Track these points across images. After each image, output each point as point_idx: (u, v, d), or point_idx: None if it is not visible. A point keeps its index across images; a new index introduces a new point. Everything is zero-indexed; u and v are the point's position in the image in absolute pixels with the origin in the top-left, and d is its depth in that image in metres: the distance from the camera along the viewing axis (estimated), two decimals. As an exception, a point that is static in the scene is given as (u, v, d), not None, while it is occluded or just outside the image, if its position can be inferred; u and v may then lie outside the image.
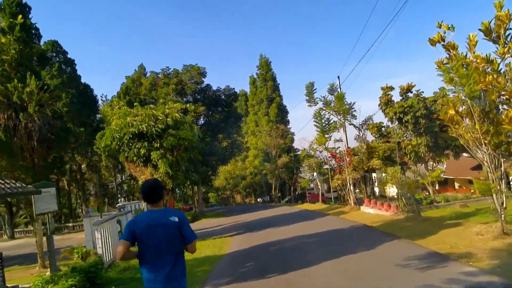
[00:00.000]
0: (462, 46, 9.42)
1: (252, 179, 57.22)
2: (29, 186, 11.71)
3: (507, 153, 9.43)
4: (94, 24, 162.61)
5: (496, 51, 8.59)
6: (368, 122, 28.57)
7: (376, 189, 38.68)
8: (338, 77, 23.62)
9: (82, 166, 34.26)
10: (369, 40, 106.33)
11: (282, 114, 52.91)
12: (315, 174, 39.31)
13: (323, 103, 23.36)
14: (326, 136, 25.92)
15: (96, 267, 7.97)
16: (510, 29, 8.39)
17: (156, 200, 3.33)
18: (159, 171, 14.70)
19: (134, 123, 14.77)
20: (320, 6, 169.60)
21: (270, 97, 53.83)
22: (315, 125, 25.99)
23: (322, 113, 25.53)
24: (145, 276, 3.23)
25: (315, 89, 25.86)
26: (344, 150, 24.21)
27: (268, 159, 49.54)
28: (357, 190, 30.62)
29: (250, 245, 12.76)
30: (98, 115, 33.62)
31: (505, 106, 8.94)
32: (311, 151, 30.76)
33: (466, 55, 9.27)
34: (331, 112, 23.90)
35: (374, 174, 35.78)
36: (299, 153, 44.98)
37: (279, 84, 55.95)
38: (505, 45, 8.35)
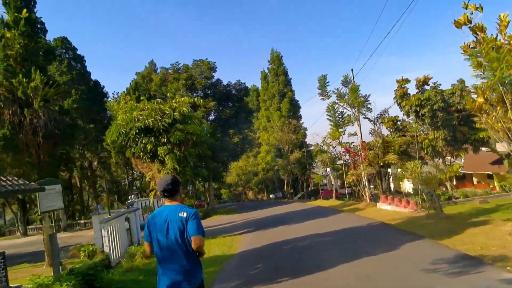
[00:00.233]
0: (491, 28, 8.59)
1: (264, 175, 56.57)
2: (32, 183, 11.31)
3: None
4: (105, 21, 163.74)
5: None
6: (383, 115, 27.60)
7: (391, 185, 37.65)
8: (352, 70, 22.72)
9: (94, 163, 34.14)
10: (383, 34, 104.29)
11: (294, 109, 52.08)
12: (328, 169, 38.48)
13: (336, 96, 22.52)
14: (339, 130, 25.07)
15: (95, 269, 7.46)
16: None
17: (173, 194, 3.39)
18: (166, 167, 14.18)
19: (140, 117, 14.26)
20: (333, 0, 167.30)
21: (282, 92, 53.03)
22: (328, 119, 25.16)
23: (335, 107, 24.66)
24: (159, 272, 3.30)
25: (328, 82, 25.05)
26: (359, 145, 23.35)
27: (280, 154, 48.84)
28: (372, 186, 29.78)
29: (261, 244, 12.15)
30: (109, 112, 33.41)
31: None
32: (324, 146, 29.94)
33: (496, 37, 8.42)
34: (345, 105, 23.04)
35: (389, 170, 34.83)
36: (312, 148, 44.20)
37: (291, 78, 55.06)
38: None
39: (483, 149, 34.15)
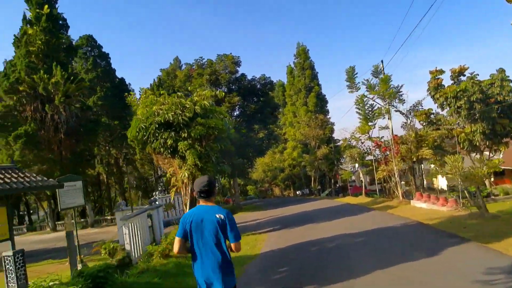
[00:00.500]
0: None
1: (290, 171, 55.72)
2: (50, 179, 11.04)
3: None
4: (130, 19, 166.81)
5: None
6: (416, 108, 26.04)
7: (424, 181, 35.88)
8: (382, 61, 21.43)
9: (120, 159, 34.40)
10: (414, 24, 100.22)
11: (321, 103, 50.95)
12: (356, 165, 37.17)
13: (366, 87, 21.33)
14: (369, 124, 23.84)
15: (106, 271, 6.95)
16: None
17: (209, 195, 3.47)
18: (187, 162, 13.63)
19: (160, 112, 13.79)
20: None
21: (308, 87, 51.97)
22: (357, 112, 23.99)
23: (364, 99, 23.44)
24: (194, 269, 3.47)
25: (356, 74, 23.88)
26: (390, 139, 22.05)
27: (307, 150, 47.86)
28: (403, 182, 28.43)
29: (286, 244, 11.40)
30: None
31: None
32: (353, 141, 28.70)
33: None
34: (375, 97, 21.80)
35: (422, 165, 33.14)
36: (339, 143, 42.94)
37: (317, 72, 53.90)
38: None
39: (526, 142, 31.82)
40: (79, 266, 12.38)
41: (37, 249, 20.65)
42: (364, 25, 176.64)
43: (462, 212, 12.82)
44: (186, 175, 13.93)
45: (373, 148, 26.88)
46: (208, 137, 14.65)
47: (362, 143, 29.23)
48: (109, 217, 31.51)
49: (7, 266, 9.86)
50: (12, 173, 10.13)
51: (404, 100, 20.88)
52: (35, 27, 14.87)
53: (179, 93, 15.03)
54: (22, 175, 10.35)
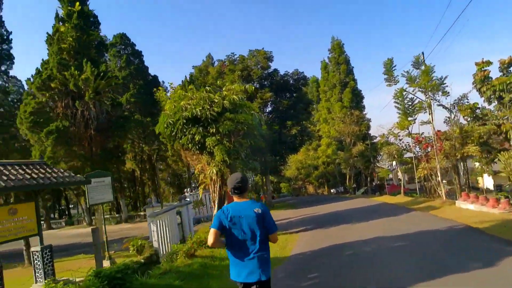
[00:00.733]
0: None
1: (325, 168, 54.55)
2: (78, 175, 10.96)
3: None
4: (162, 16, 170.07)
5: None
6: (461, 102, 24.23)
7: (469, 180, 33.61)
8: (423, 53, 19.90)
9: (153, 156, 34.81)
10: (456, 15, 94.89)
11: (356, 99, 49.48)
12: (394, 163, 35.48)
13: (406, 80, 19.93)
14: (409, 119, 22.40)
15: (124, 271, 6.57)
16: None
17: (242, 191, 3.62)
18: (215, 159, 13.18)
19: (188, 106, 13.42)
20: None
21: (343, 82, 50.60)
22: (395, 106, 22.59)
23: (404, 93, 22.03)
24: (232, 263, 3.58)
25: (395, 67, 22.49)
26: (432, 135, 20.56)
27: (341, 147, 46.59)
28: (444, 181, 26.73)
29: (318, 246, 10.66)
30: (165, 104, 33.59)
31: None
32: (391, 137, 27.24)
33: None
34: (415, 90, 20.38)
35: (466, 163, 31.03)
36: (376, 140, 41.30)
37: (353, 67, 52.32)
38: None
39: None
40: (107, 263, 12.29)
41: (72, 243, 21.13)
42: (402, 17, 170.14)
43: (517, 215, 11.49)
44: (215, 171, 13.50)
45: (413, 144, 25.36)
46: (237, 132, 14.14)
47: (400, 140, 27.71)
48: (142, 213, 31.95)
49: (35, 261, 9.86)
50: (40, 169, 10.09)
51: (448, 92, 19.27)
52: (66, 25, 15.06)
53: (207, 88, 14.60)
54: (50, 171, 10.30)
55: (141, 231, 21.66)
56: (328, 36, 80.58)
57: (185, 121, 13.44)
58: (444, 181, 25.12)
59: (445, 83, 19.03)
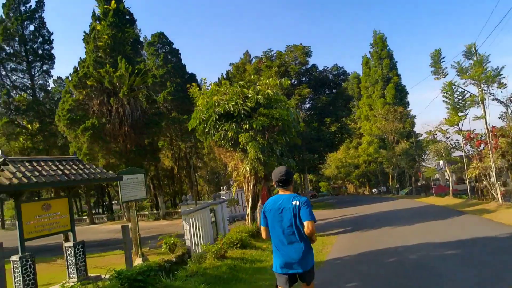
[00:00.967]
0: None
1: (366, 167, 52.79)
2: (109, 172, 10.91)
3: None
4: (203, 14, 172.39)
5: None
6: (519, 94, 21.97)
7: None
8: (474, 44, 18.17)
9: (190, 153, 35.10)
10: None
11: (400, 95, 47.40)
12: (441, 162, 33.30)
13: (456, 71, 18.31)
14: (459, 114, 20.68)
15: (147, 274, 6.20)
16: None
17: (287, 184, 3.70)
18: (249, 156, 12.70)
19: (221, 102, 13.04)
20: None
21: (386, 77, 48.66)
22: (444, 101, 20.91)
23: (453, 86, 20.34)
24: (274, 254, 3.72)
25: (443, 58, 20.83)
26: (486, 131, 18.79)
27: (384, 145, 44.72)
28: (498, 182, 24.53)
29: (357, 250, 9.84)
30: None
31: None
32: (439, 134, 25.41)
33: None
34: (467, 83, 18.70)
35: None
36: (422, 138, 39.11)
37: (396, 62, 50.15)
38: None
39: None
40: (139, 260, 12.21)
41: (111, 238, 21.60)
42: (450, 8, 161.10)
43: None
44: (248, 169, 13.04)
45: (464, 142, 23.47)
46: (271, 128, 13.61)
47: (447, 138, 25.77)
48: (179, 210, 32.28)
49: (68, 257, 9.87)
50: (73, 165, 10.07)
51: (505, 84, 17.40)
52: (102, 23, 15.30)
53: (241, 82, 14.16)
54: (82, 167, 10.26)
55: (177, 228, 21.70)
56: (370, 29, 77.79)
57: (217, 117, 13.11)
58: (498, 182, 23.06)
59: (502, 74, 17.22)
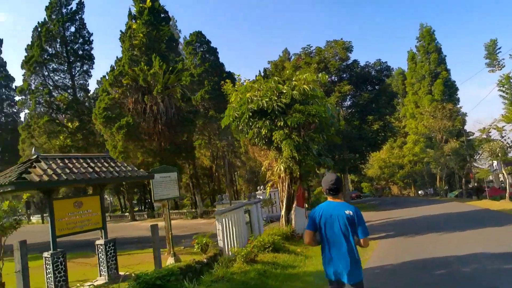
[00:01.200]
0: None
1: (411, 168, 50.28)
2: (141, 170, 10.80)
3: None
4: (240, 12, 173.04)
5: None
6: None
7: None
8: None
9: (228, 152, 35.07)
10: None
11: (449, 91, 44.58)
12: (495, 162, 30.78)
13: (515, 62, 16.63)
14: (518, 110, 18.84)
15: (167, 278, 5.85)
16: None
17: (337, 192, 3.77)
18: (283, 154, 12.12)
19: (254, 98, 12.55)
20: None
21: (433, 73, 46.02)
22: (500, 95, 19.17)
23: (511, 79, 18.55)
24: (324, 261, 3.72)
25: (499, 49, 19.08)
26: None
27: (431, 145, 42.24)
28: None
29: (400, 259, 8.96)
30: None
31: None
32: (494, 132, 23.36)
33: None
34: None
35: None
36: (474, 137, 36.47)
37: (445, 56, 47.20)
38: None
39: None
40: (171, 260, 12.04)
41: (149, 236, 21.78)
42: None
43: None
44: (282, 168, 12.46)
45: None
46: (307, 126, 12.89)
47: (503, 136, 23.61)
48: (216, 209, 32.32)
49: (99, 255, 9.84)
50: (104, 163, 10.02)
51: None
52: (138, 21, 15.40)
53: (275, 78, 13.59)
54: (113, 165, 10.20)
55: (213, 227, 21.56)
56: (416, 23, 74.19)
57: (251, 114, 12.64)
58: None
59: None
